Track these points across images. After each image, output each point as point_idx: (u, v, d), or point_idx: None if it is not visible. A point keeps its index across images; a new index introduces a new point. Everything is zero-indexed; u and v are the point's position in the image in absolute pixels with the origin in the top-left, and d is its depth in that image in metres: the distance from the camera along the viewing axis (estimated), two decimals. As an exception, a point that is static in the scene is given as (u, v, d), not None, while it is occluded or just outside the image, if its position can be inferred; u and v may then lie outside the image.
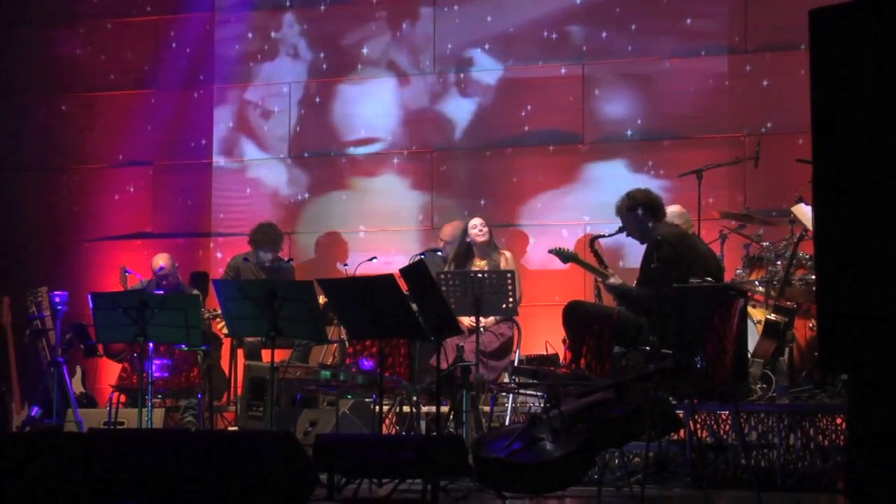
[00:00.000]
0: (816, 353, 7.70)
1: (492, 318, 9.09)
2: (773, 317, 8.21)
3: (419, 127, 11.21)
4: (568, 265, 8.82)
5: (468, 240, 9.45)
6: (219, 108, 11.68)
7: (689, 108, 10.55)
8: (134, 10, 11.88)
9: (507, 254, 9.52)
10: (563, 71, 10.86)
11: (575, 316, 7.89)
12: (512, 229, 10.51)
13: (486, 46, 11.08)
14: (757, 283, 8.61)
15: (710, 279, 8.11)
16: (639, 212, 8.10)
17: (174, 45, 11.80)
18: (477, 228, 9.48)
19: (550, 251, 8.63)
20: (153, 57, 11.83)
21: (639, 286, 8.06)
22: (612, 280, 8.23)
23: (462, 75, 11.13)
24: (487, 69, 11.08)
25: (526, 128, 10.95)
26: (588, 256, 8.49)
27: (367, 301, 6.97)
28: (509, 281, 8.65)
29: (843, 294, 5.33)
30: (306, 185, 11.44)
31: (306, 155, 11.48)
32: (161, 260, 10.09)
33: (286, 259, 10.58)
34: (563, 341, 8.08)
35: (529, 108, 10.96)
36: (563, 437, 6.60)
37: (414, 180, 11.16)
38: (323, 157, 11.43)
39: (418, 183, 11.15)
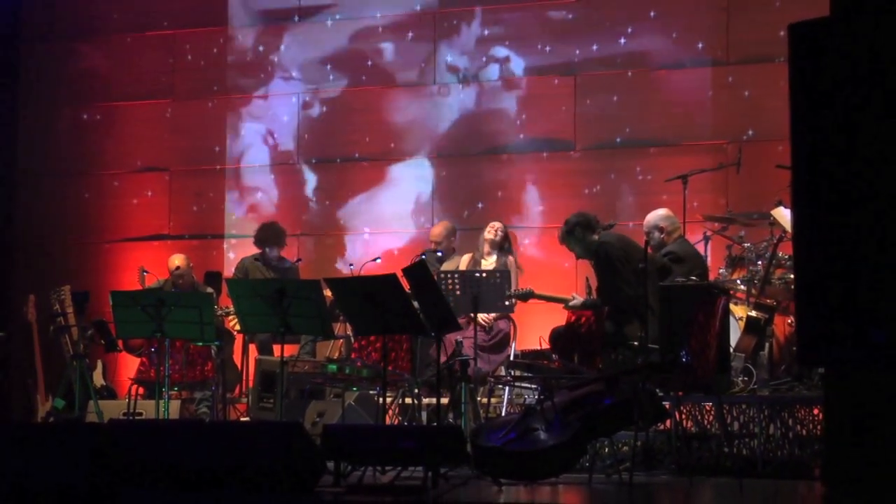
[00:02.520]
0: (795, 348, 7.71)
1: (491, 315, 9.11)
2: (753, 314, 8.21)
3: (420, 135, 11.21)
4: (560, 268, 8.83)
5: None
6: (231, 117, 11.68)
7: (674, 116, 10.55)
8: (152, 25, 11.88)
9: (511, 258, 9.49)
10: (556, 82, 10.86)
11: (560, 339, 7.90)
12: (508, 231, 10.51)
13: (483, 59, 11.09)
14: (739, 281, 8.61)
15: (694, 278, 8.13)
16: (576, 232, 8.16)
17: (189, 57, 11.81)
18: (493, 229, 9.50)
19: (508, 295, 8.69)
20: (170, 69, 11.83)
21: (600, 296, 8.11)
22: (573, 302, 8.32)
23: (462, 86, 11.14)
24: (484, 80, 11.08)
25: (521, 135, 10.96)
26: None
27: (371, 299, 6.97)
28: (505, 280, 8.67)
29: (821, 292, 5.33)
30: (313, 189, 11.43)
31: (314, 161, 11.48)
32: (177, 260, 10.09)
33: (295, 259, 10.58)
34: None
35: (524, 116, 10.96)
36: (556, 426, 6.60)
37: (415, 185, 11.16)
38: (329, 164, 11.43)
39: (419, 187, 11.14)
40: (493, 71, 11.08)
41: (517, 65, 11.00)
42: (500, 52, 11.05)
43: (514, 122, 10.98)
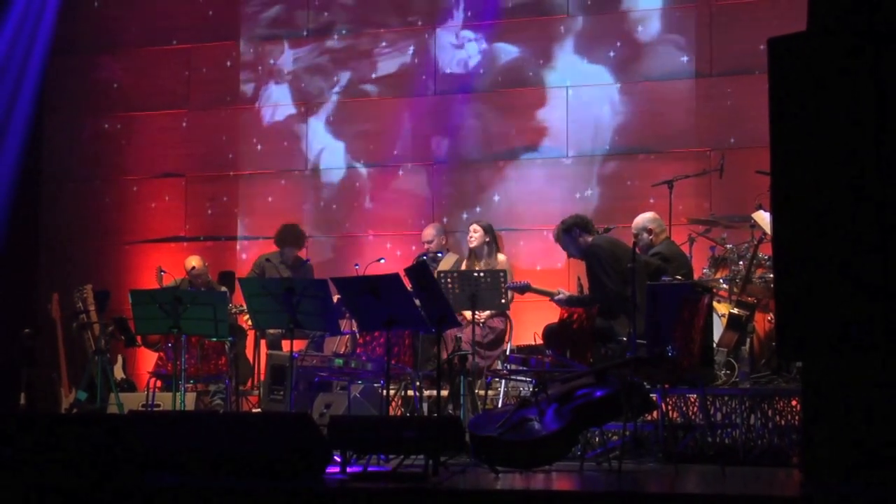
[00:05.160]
0: (774, 343, 7.71)
1: (487, 312, 9.10)
2: (735, 311, 8.21)
3: (421, 143, 11.22)
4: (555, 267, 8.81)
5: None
6: (243, 126, 11.68)
7: (661, 125, 10.55)
8: (168, 39, 11.88)
9: (502, 257, 9.48)
10: (549, 93, 10.86)
11: (553, 335, 7.90)
12: (504, 232, 10.49)
13: (481, 72, 11.09)
14: (721, 280, 8.61)
15: (679, 277, 8.13)
16: (573, 232, 8.19)
17: (203, 70, 11.80)
18: (468, 234, 9.50)
19: (506, 287, 8.69)
20: (185, 81, 11.83)
21: (591, 294, 8.11)
22: (559, 297, 8.33)
23: (461, 96, 11.14)
24: (483, 91, 11.08)
25: (517, 143, 10.96)
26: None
27: (375, 297, 6.97)
28: (502, 279, 8.67)
29: (798, 291, 5.33)
30: (321, 193, 11.43)
31: (321, 167, 11.48)
32: (193, 261, 10.09)
33: (305, 259, 10.58)
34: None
35: (520, 125, 10.96)
36: (549, 417, 6.60)
37: (416, 190, 11.17)
38: (335, 170, 11.42)
39: (421, 192, 11.15)
40: (491, 82, 11.07)
41: (513, 76, 11.00)
42: (497, 64, 11.04)
43: (509, 130, 10.98)
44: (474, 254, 9.47)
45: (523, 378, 7.96)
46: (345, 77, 11.46)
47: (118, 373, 10.25)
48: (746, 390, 7.74)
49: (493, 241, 9.50)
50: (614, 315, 7.92)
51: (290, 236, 10.34)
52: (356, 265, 10.04)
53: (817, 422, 5.88)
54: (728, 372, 8.08)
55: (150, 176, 11.86)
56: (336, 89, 11.48)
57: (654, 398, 7.17)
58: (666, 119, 10.54)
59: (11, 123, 11.42)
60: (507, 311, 9.16)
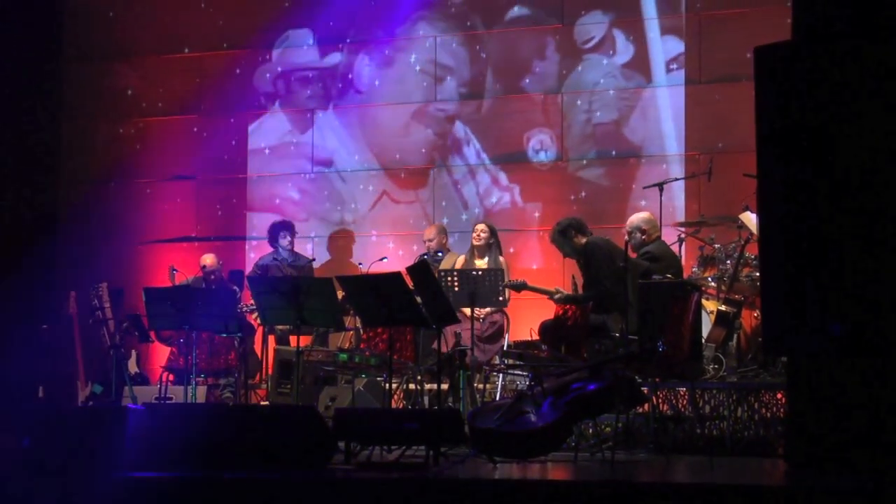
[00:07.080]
0: (761, 339, 7.71)
1: (487, 308, 9.11)
2: (723, 308, 8.21)
3: (422, 147, 11.22)
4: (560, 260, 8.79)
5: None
6: (252, 131, 11.68)
7: (652, 130, 10.56)
8: (180, 48, 11.89)
9: (502, 259, 9.47)
10: (545, 99, 10.86)
11: (548, 331, 7.90)
12: (501, 233, 10.48)
13: (480, 78, 11.09)
14: (710, 279, 8.61)
15: (669, 276, 8.13)
16: (568, 233, 8.19)
17: (214, 77, 11.80)
18: (476, 232, 9.50)
19: (503, 285, 8.68)
20: (196, 87, 11.83)
21: (586, 291, 8.11)
22: (558, 296, 8.32)
23: (460, 102, 11.14)
24: (480, 97, 11.08)
25: (514, 147, 10.96)
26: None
27: (378, 294, 6.97)
28: (500, 278, 8.67)
29: (783, 289, 5.34)
30: (325, 195, 11.43)
31: (325, 170, 11.48)
32: (208, 259, 10.09)
33: (308, 258, 10.58)
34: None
35: (517, 130, 10.96)
36: (545, 410, 6.60)
37: (418, 191, 11.17)
38: (338, 173, 11.42)
39: (422, 193, 11.15)
40: (489, 89, 11.07)
41: (510, 83, 11.00)
42: (495, 70, 11.05)
43: (507, 135, 10.98)
44: (476, 252, 9.45)
45: (520, 372, 7.95)
46: (349, 82, 11.46)
47: (132, 367, 10.25)
48: (734, 384, 7.73)
49: (496, 243, 9.51)
50: (608, 311, 7.91)
51: (276, 227, 10.33)
52: (360, 264, 10.03)
53: (801, 414, 5.89)
54: (716, 366, 8.08)
55: (162, 179, 11.86)
56: (340, 94, 11.48)
57: (646, 391, 7.17)
58: (658, 124, 10.54)
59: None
60: (505, 308, 9.16)
